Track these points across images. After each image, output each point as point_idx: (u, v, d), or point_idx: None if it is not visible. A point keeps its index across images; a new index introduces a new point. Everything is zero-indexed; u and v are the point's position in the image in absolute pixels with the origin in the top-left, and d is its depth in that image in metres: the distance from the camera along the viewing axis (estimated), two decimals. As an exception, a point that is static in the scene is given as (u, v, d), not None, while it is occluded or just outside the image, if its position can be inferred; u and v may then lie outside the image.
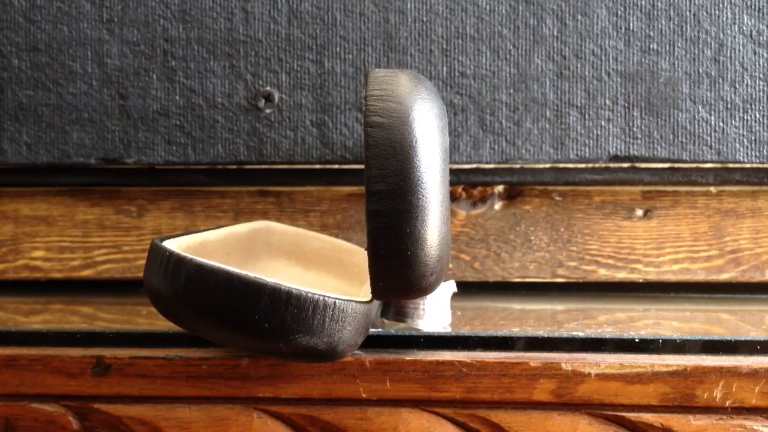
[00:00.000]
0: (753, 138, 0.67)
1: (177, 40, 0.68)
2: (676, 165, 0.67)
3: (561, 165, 0.68)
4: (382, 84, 0.46)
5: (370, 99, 0.45)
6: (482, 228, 0.69)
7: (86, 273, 0.70)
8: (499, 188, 0.69)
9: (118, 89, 0.68)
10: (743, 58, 0.67)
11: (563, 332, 0.53)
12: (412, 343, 0.52)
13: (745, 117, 0.67)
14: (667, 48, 0.67)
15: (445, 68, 0.67)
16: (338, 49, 0.68)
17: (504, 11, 0.67)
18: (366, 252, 0.46)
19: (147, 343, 0.52)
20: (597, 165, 0.68)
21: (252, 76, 0.68)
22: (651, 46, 0.67)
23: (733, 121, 0.67)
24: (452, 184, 0.67)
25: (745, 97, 0.67)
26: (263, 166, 0.69)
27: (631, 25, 0.67)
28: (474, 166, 0.68)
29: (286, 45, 0.68)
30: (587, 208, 0.69)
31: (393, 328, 0.54)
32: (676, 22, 0.67)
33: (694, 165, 0.67)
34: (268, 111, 0.68)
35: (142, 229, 0.70)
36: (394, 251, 0.45)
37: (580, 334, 0.53)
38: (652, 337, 0.52)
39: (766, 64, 0.67)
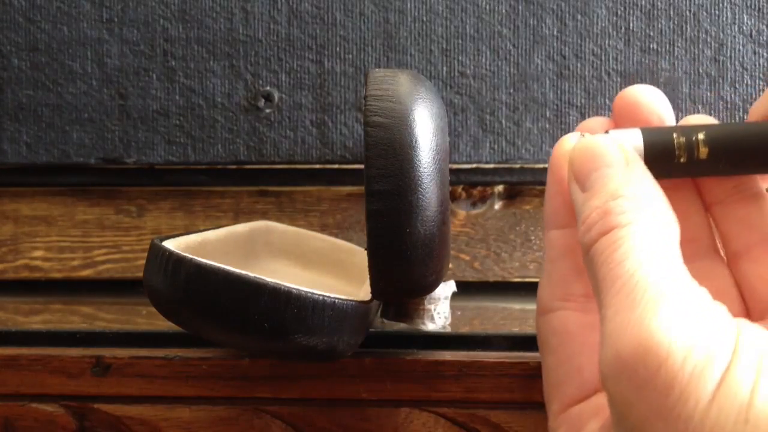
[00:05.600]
0: (753, 138, 0.67)
1: (177, 40, 0.68)
2: (676, 165, 0.67)
3: (561, 165, 0.68)
4: (382, 84, 0.46)
5: (370, 99, 0.45)
6: (482, 228, 0.69)
7: (86, 273, 0.70)
8: (499, 188, 0.69)
9: (118, 89, 0.68)
10: (743, 58, 0.67)
11: (563, 332, 0.53)
12: (412, 343, 0.52)
13: (745, 117, 0.67)
14: (667, 48, 0.67)
15: (445, 68, 0.67)
16: (338, 49, 0.68)
17: (504, 11, 0.67)
18: (366, 252, 0.46)
19: (147, 343, 0.52)
20: (597, 165, 0.68)
21: (252, 76, 0.68)
22: (651, 46, 0.67)
23: (733, 121, 0.67)
24: (452, 184, 0.67)
25: (745, 97, 0.67)
26: (263, 166, 0.69)
27: (631, 25, 0.67)
28: (474, 166, 0.68)
29: (286, 45, 0.68)
30: (587, 208, 0.69)
31: (393, 328, 0.54)
32: (676, 22, 0.67)
33: (694, 165, 0.67)
34: (268, 111, 0.68)
35: (142, 229, 0.70)
36: (394, 251, 0.45)
37: (580, 334, 0.53)
38: (652, 337, 0.52)
39: (766, 64, 0.67)
